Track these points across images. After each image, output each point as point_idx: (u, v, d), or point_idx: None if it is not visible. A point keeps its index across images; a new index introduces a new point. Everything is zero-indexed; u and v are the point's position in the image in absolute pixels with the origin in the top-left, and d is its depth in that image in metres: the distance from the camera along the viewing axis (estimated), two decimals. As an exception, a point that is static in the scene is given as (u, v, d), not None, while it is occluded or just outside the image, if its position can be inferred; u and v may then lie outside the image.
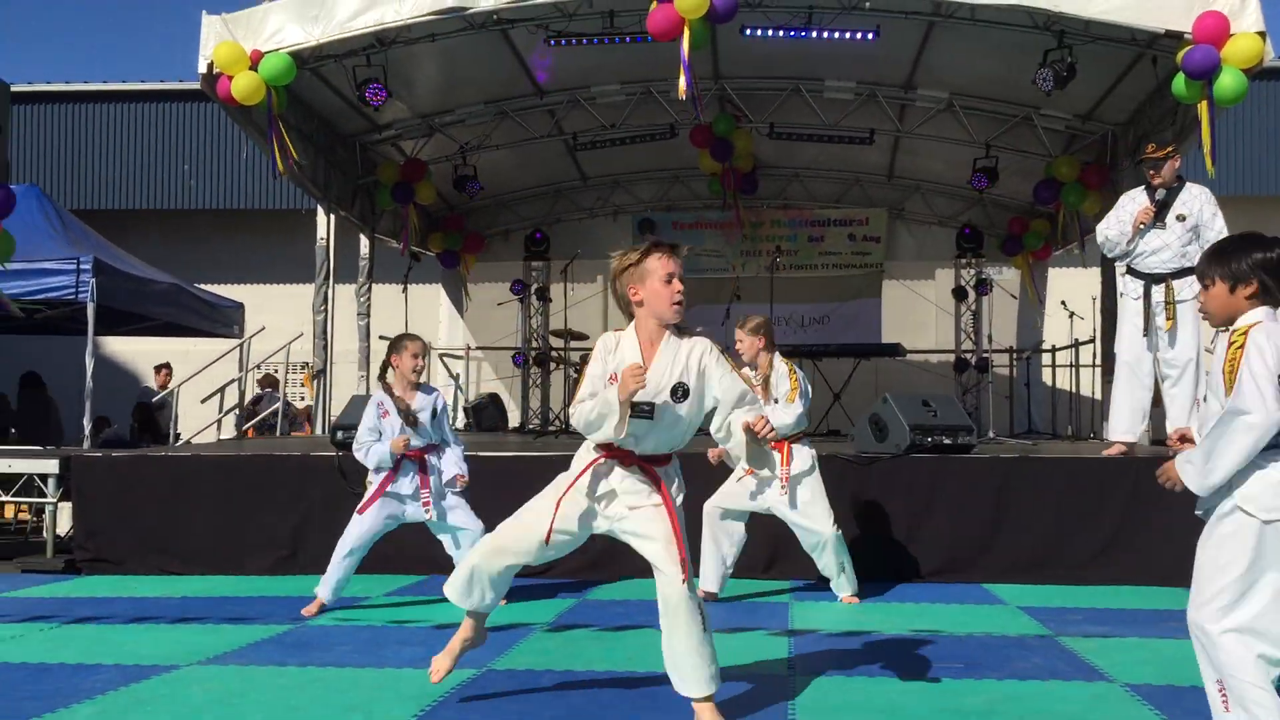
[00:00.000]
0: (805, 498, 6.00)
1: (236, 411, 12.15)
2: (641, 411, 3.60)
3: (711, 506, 6.15)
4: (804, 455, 6.01)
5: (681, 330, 3.76)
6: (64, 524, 8.01)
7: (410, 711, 3.91)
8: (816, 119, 11.92)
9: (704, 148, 12.21)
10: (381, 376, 6.07)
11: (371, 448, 5.92)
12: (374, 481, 5.98)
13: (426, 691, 4.16)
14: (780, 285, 12.76)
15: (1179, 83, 8.06)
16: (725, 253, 14.77)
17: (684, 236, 14.79)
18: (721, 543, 6.17)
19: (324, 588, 5.93)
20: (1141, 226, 7.17)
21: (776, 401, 5.96)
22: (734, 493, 6.12)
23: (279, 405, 12.49)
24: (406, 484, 5.95)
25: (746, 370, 6.16)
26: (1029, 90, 9.77)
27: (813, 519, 5.98)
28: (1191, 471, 3.21)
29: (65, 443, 10.79)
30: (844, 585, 6.22)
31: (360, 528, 5.94)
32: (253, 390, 13.87)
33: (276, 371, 13.99)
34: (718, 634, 5.32)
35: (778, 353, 6.17)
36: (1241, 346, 3.03)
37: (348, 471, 7.19)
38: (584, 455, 3.83)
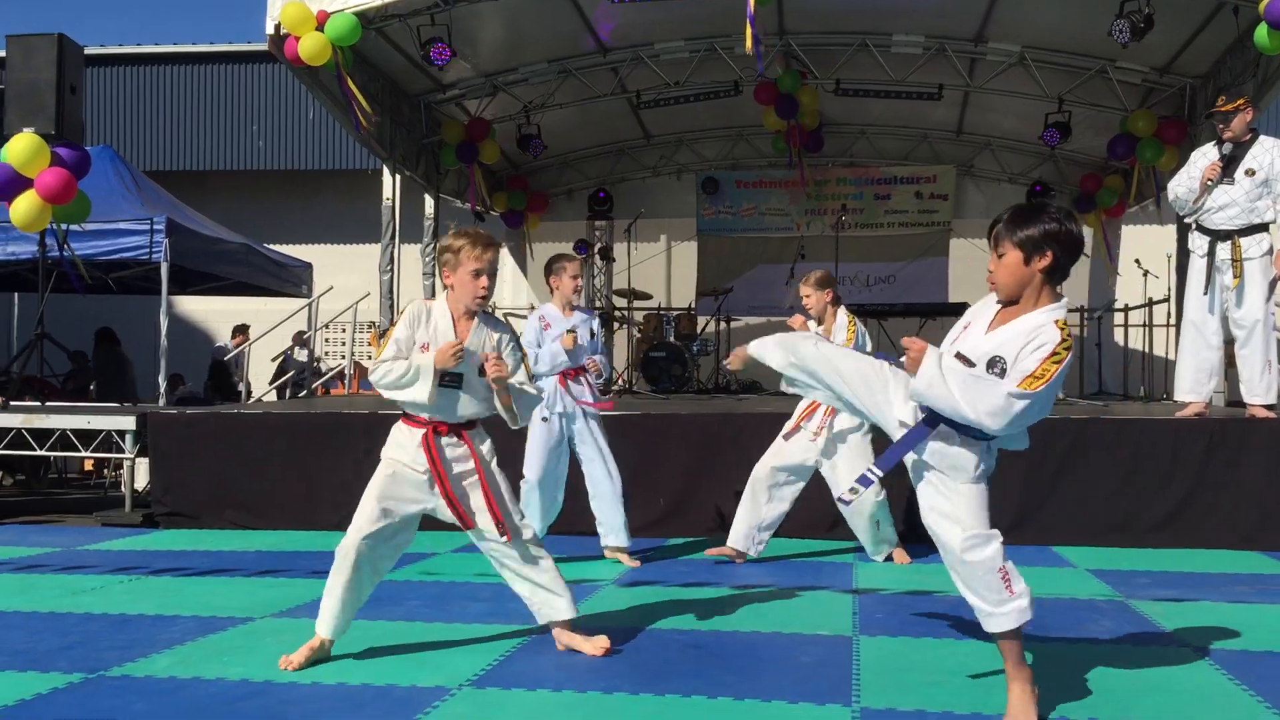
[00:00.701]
0: (847, 456, 5.93)
1: (304, 367, 12.34)
2: (449, 382, 3.97)
3: (763, 466, 6.12)
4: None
5: (489, 316, 4.17)
6: (141, 479, 8.22)
7: (481, 664, 3.98)
8: (884, 74, 11.71)
9: (768, 105, 12.07)
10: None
11: (540, 353, 5.93)
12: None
13: (493, 646, 4.23)
14: (845, 244, 12.62)
15: (1261, 33, 7.80)
16: (790, 211, 14.65)
17: (748, 195, 14.71)
18: (760, 502, 6.08)
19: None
20: (1209, 183, 6.98)
21: None
22: (784, 450, 6.08)
23: (305, 364, 12.62)
24: (560, 404, 5.97)
25: (806, 320, 6.10)
26: (1104, 42, 9.51)
27: (852, 479, 5.90)
28: None
29: (140, 399, 11.04)
30: (880, 551, 6.15)
31: (536, 455, 5.95)
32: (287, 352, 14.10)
33: (345, 330, 14.19)
34: (781, 593, 5.35)
35: (843, 307, 6.10)
36: None
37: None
38: (404, 431, 4.10)
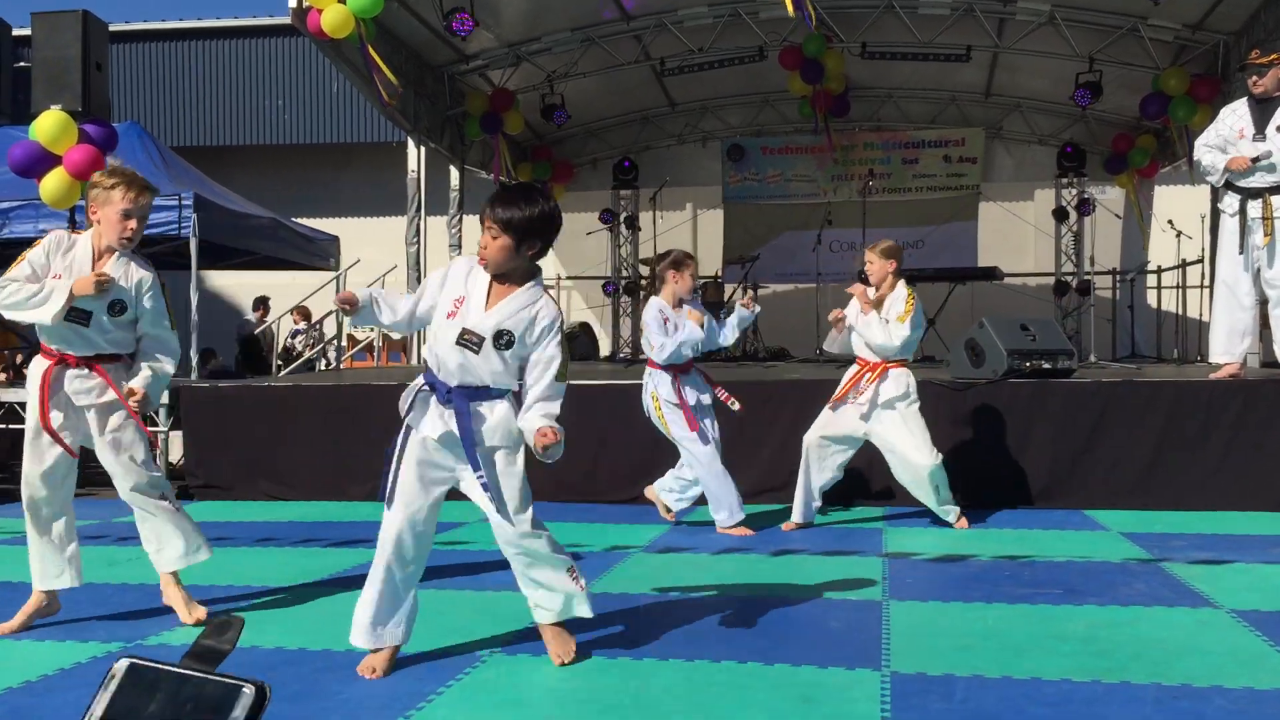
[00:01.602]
0: (897, 424, 5.92)
1: (336, 343, 12.42)
2: (75, 318, 3.95)
3: (812, 435, 6.13)
4: (899, 380, 5.91)
5: (136, 257, 4.14)
6: (175, 452, 8.30)
7: (509, 630, 4.00)
8: (910, 37, 11.58)
9: (794, 70, 11.96)
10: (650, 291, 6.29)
11: (666, 344, 6.02)
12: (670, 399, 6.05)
13: (523, 614, 4.24)
14: (873, 209, 12.53)
15: (1298, -14, 7.64)
16: (816, 177, 14.55)
17: (774, 161, 14.61)
18: (813, 473, 6.15)
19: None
20: (1237, 171, 6.82)
21: (887, 322, 5.88)
22: (833, 421, 6.09)
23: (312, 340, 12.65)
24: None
25: (865, 287, 6.08)
26: (1135, 0, 9.35)
27: (907, 448, 5.91)
28: None
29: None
30: (948, 513, 6.15)
31: (703, 444, 6.01)
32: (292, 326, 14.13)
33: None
34: (811, 559, 5.35)
35: (904, 280, 6.06)
36: None
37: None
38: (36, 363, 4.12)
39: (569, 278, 15.30)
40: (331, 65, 10.70)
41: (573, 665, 3.61)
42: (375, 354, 14.47)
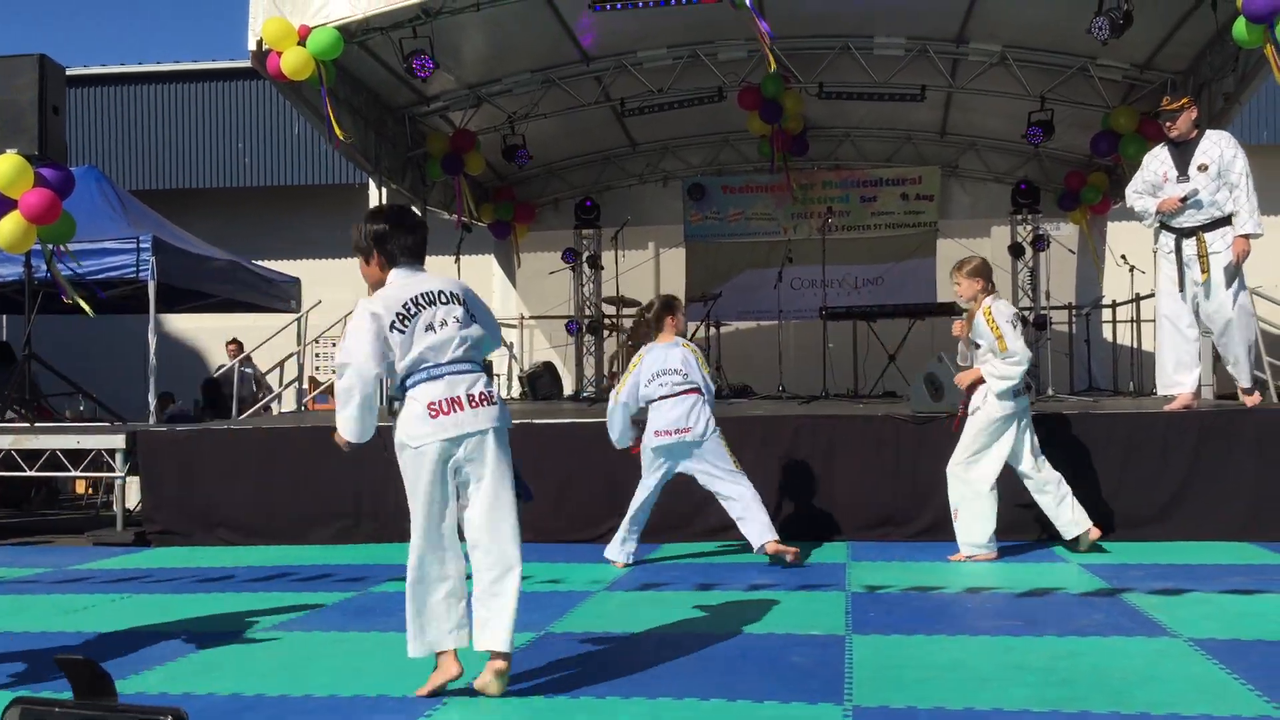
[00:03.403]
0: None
1: (296, 385, 12.33)
2: None
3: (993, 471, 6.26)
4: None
5: None
6: (133, 498, 8.20)
7: (473, 672, 3.97)
8: (866, 77, 11.74)
9: (753, 110, 12.09)
10: (633, 337, 6.53)
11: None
12: None
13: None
14: (833, 247, 12.63)
15: (1239, 27, 7.82)
16: (776, 216, 14.65)
17: (734, 200, 14.72)
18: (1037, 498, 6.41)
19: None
20: (1168, 214, 7.04)
21: (988, 352, 6.09)
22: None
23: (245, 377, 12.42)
24: None
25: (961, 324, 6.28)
26: (1084, 40, 9.54)
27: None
28: None
29: (131, 419, 10.99)
30: (1077, 521, 6.30)
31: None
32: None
33: (334, 345, 14.14)
34: (774, 594, 5.35)
35: (991, 298, 6.14)
36: None
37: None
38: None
39: (532, 317, 15.30)
40: (292, 107, 10.70)
41: (536, 706, 3.59)
42: (337, 396, 14.39)
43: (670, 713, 3.48)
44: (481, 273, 15.66)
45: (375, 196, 11.43)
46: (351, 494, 7.48)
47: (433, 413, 3.65)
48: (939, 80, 11.84)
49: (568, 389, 14.44)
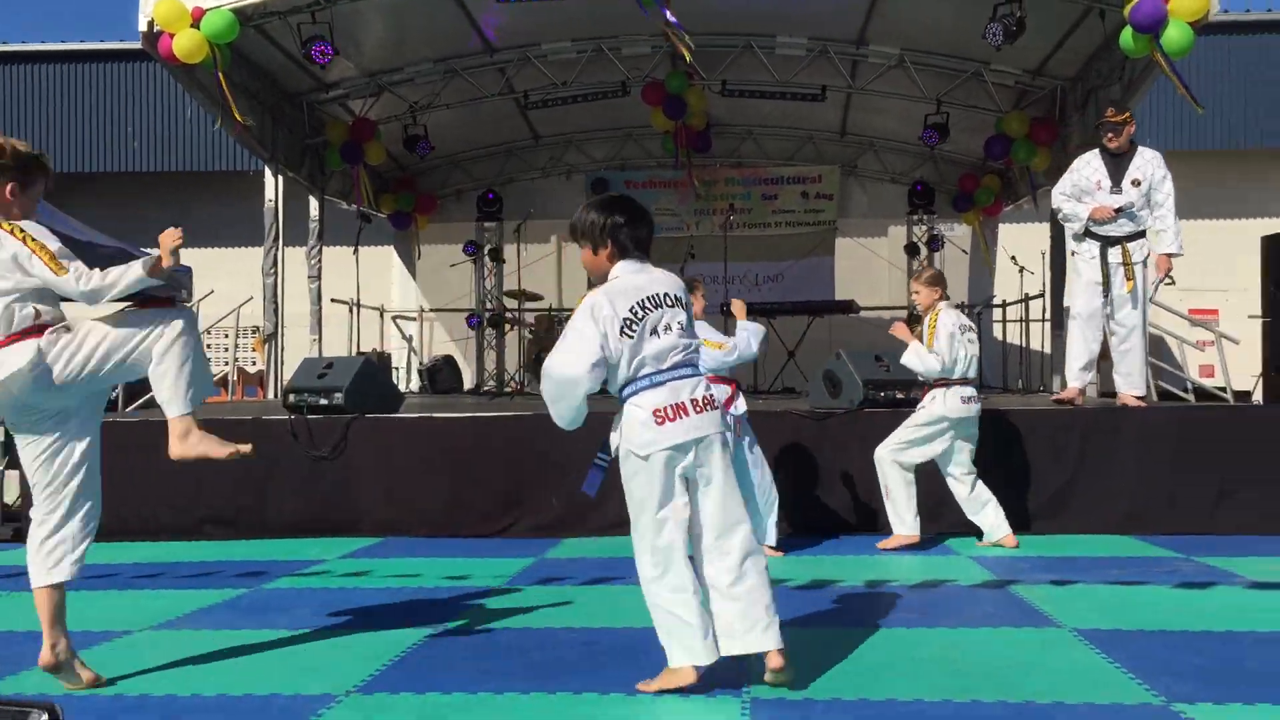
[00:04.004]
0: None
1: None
2: None
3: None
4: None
5: None
6: (11, 492, 7.89)
7: (366, 671, 3.91)
8: (769, 76, 11.86)
9: (656, 105, 12.12)
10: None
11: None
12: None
13: (381, 652, 4.16)
14: (734, 243, 12.75)
15: (1126, 36, 8.09)
16: (679, 212, 14.73)
17: (637, 195, 14.69)
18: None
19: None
20: (1102, 221, 7.27)
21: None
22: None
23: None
24: None
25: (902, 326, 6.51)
26: (979, 45, 9.77)
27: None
28: None
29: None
30: (998, 527, 6.52)
31: None
32: None
33: (228, 336, 13.83)
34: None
35: (944, 304, 6.44)
36: None
37: (300, 434, 7.15)
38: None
39: (432, 310, 15.13)
40: (185, 91, 10.39)
41: (434, 703, 3.54)
42: (230, 388, 14.04)
43: (568, 708, 3.47)
44: (380, 264, 15.43)
45: (270, 184, 11.18)
46: (247, 490, 7.28)
47: (659, 420, 3.55)
48: (839, 81, 12.02)
49: (468, 383, 14.32)
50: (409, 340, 14.74)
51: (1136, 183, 7.23)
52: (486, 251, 14.97)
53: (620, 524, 6.68)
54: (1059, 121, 11.18)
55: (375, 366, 8.15)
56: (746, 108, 13.10)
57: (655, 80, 11.86)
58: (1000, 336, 13.72)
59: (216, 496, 7.28)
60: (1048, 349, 11.74)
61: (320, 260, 12.36)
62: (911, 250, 14.68)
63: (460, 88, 12.10)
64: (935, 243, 14.36)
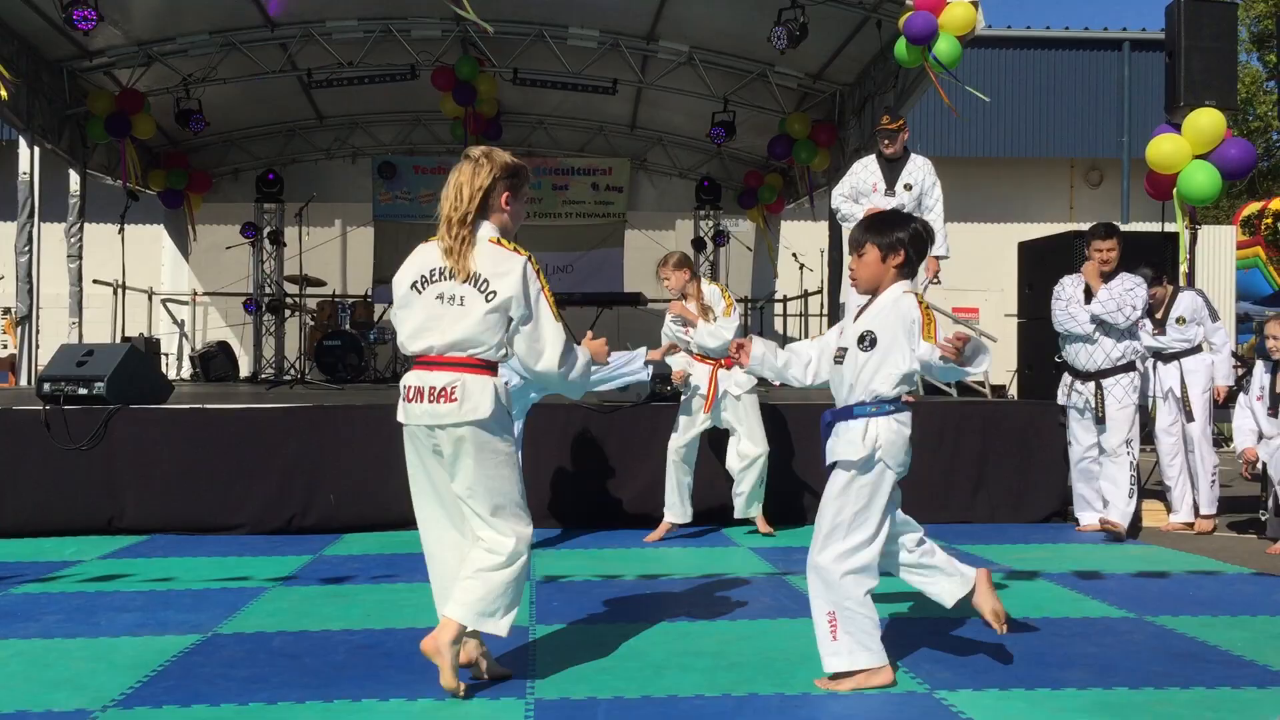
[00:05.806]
0: (744, 415, 6.60)
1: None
2: None
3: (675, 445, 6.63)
4: (742, 374, 6.44)
5: None
6: None
7: (127, 683, 3.67)
8: (560, 66, 11.86)
9: (446, 91, 11.94)
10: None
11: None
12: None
13: (143, 661, 3.92)
14: (524, 233, 12.55)
15: (900, 47, 8.48)
16: (468, 199, 14.55)
17: (426, 181, 14.50)
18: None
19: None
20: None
21: (716, 319, 6.44)
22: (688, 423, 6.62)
23: None
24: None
25: (680, 304, 6.54)
26: (765, 48, 10.06)
27: (750, 437, 6.60)
28: None
29: None
30: (755, 508, 6.71)
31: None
32: None
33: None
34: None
35: (704, 278, 6.57)
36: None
37: (55, 425, 6.68)
38: None
39: (206, 293, 14.44)
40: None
41: (200, 715, 3.36)
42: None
43: (346, 715, 3.37)
44: (150, 244, 14.63)
45: (25, 155, 10.40)
46: (55, 480, 6.74)
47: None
48: (630, 75, 12.13)
49: (244, 370, 13.75)
50: (180, 325, 14.03)
51: (909, 186, 7.65)
52: (266, 234, 14.40)
53: (402, 521, 6.58)
54: (838, 125, 11.63)
55: (141, 354, 7.68)
56: (538, 97, 13.07)
57: (445, 65, 11.68)
58: (781, 330, 14.19)
59: (32, 491, 6.71)
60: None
61: (81, 238, 11.61)
62: (698, 244, 14.99)
63: (239, 62, 11.58)
64: (721, 238, 14.70)
